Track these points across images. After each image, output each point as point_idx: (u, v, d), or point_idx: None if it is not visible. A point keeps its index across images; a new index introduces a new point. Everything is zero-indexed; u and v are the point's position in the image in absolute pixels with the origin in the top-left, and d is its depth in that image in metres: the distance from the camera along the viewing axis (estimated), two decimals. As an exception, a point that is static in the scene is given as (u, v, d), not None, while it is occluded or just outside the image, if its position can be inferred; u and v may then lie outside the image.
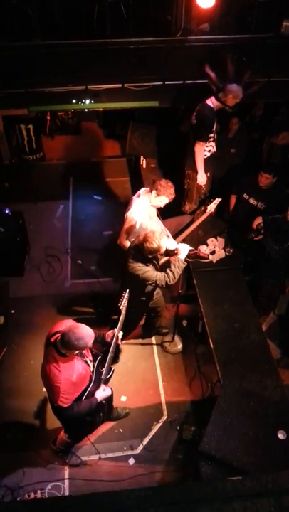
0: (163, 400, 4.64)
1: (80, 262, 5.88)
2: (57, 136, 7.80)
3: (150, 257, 3.92)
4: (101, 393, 3.49)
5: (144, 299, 4.26)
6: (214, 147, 5.00)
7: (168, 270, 3.97)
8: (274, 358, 4.49)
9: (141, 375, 4.83)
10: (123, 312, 3.67)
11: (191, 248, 4.12)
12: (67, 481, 4.02)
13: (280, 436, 3.60)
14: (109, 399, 3.98)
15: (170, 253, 4.17)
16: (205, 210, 4.70)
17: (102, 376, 3.58)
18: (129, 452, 4.24)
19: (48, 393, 3.39)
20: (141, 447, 4.27)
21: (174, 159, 5.57)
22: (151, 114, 6.69)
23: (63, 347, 3.17)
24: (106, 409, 3.91)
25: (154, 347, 5.12)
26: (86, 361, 3.47)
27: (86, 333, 3.18)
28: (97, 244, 6.15)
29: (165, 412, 4.54)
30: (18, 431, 4.31)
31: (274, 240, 4.60)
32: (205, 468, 3.47)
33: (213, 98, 4.64)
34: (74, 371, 3.29)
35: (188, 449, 4.22)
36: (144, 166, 6.60)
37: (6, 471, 4.04)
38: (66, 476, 4.05)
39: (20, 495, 3.89)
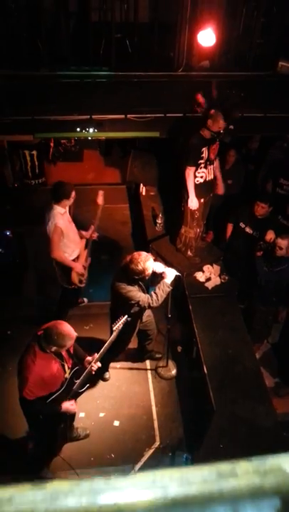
0: (156, 425, 4.62)
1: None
2: (59, 162, 7.98)
3: (136, 277, 3.97)
4: (68, 405, 3.53)
5: (130, 319, 4.30)
6: (209, 175, 5.10)
7: (152, 293, 4.03)
8: (267, 385, 4.52)
9: (134, 400, 4.82)
10: (114, 334, 3.76)
11: (178, 274, 4.18)
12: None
13: (272, 463, 3.59)
14: (72, 416, 3.99)
15: (156, 275, 4.23)
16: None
17: (74, 387, 3.63)
18: (121, 478, 4.18)
19: (18, 382, 3.44)
20: (132, 473, 4.22)
21: (173, 187, 5.72)
22: (152, 143, 6.88)
23: (44, 341, 3.28)
24: (67, 424, 3.92)
25: (148, 372, 5.13)
26: (63, 365, 3.52)
27: (67, 331, 3.29)
28: (94, 268, 6.21)
29: (158, 438, 4.52)
30: (12, 452, 4.27)
31: (265, 261, 4.70)
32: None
33: (204, 127, 4.79)
34: (48, 369, 3.36)
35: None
36: (144, 193, 6.76)
37: None
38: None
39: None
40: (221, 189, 5.35)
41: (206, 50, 4.66)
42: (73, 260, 4.86)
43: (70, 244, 4.80)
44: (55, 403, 3.49)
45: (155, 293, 4.01)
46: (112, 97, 4.84)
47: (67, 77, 4.71)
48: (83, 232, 5.07)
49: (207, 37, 4.44)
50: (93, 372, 3.70)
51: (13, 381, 4.71)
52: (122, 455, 4.36)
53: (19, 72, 4.61)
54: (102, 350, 3.68)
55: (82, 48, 4.71)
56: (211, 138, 4.80)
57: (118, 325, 3.79)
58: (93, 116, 4.91)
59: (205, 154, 4.90)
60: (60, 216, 4.63)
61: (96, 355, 3.67)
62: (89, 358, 3.71)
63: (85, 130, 5.08)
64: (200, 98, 4.71)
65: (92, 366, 3.64)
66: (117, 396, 4.83)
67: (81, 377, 3.64)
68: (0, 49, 4.50)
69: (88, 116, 4.91)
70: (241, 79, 4.86)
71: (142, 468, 4.27)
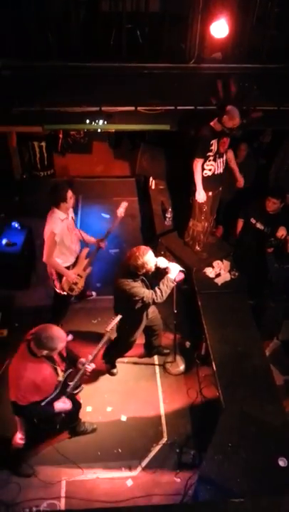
0: (163, 421, 4.61)
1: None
2: (68, 154, 7.93)
3: (138, 273, 3.93)
4: (60, 405, 3.53)
5: (136, 316, 4.29)
6: (218, 168, 5.03)
7: (156, 288, 3.99)
8: (276, 383, 4.47)
9: (142, 396, 4.80)
10: (106, 336, 3.76)
11: (182, 269, 4.13)
12: (63, 500, 3.98)
13: (281, 463, 3.56)
14: (75, 412, 4.01)
15: (160, 271, 4.19)
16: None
17: (68, 390, 3.62)
18: (127, 473, 4.19)
19: (10, 386, 3.41)
20: (139, 469, 4.23)
21: (183, 181, 5.65)
22: (162, 136, 6.80)
23: (34, 345, 3.25)
24: (67, 420, 3.90)
25: (156, 367, 5.11)
26: (56, 369, 3.50)
27: (57, 334, 3.25)
28: (103, 261, 6.19)
29: (165, 434, 4.50)
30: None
31: (276, 258, 4.64)
32: (204, 493, 3.43)
33: (216, 119, 4.72)
34: (39, 374, 3.34)
35: (187, 472, 4.17)
36: (153, 187, 6.70)
37: (1, 486, 4.01)
38: (62, 494, 4.01)
39: (15, 511, 3.85)
40: (240, 182, 5.28)
41: (218, 42, 4.55)
42: (67, 268, 4.76)
43: (64, 251, 4.70)
44: (49, 405, 3.49)
45: (159, 288, 3.98)
46: (122, 88, 4.77)
47: (77, 68, 4.64)
48: (91, 239, 4.97)
49: (220, 28, 4.33)
50: (88, 373, 3.68)
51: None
52: (129, 450, 4.36)
53: (28, 63, 4.55)
54: (95, 351, 3.68)
55: (92, 39, 4.63)
56: (221, 131, 4.72)
57: (111, 326, 3.80)
58: (103, 108, 4.85)
59: (214, 147, 4.83)
60: (59, 222, 4.54)
61: (89, 357, 3.66)
62: (82, 360, 3.71)
63: (95, 122, 5.01)
64: (220, 88, 4.59)
65: (86, 367, 3.63)
66: (125, 391, 4.82)
67: (74, 379, 3.64)
68: (9, 39, 4.44)
69: (98, 108, 4.85)
70: (254, 71, 4.76)
71: (149, 464, 4.26)
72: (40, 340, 3.22)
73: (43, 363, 3.38)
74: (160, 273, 4.16)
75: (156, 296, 3.95)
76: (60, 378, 3.56)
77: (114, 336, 4.30)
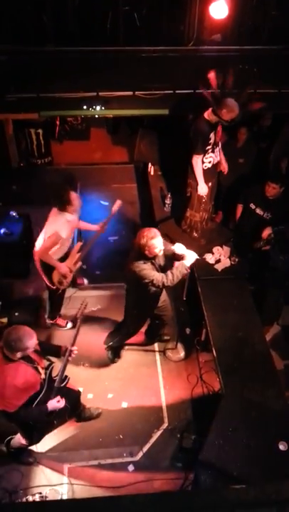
0: (164, 407, 4.63)
1: (84, 266, 5.90)
2: (65, 141, 7.85)
3: (144, 253, 3.89)
4: (54, 404, 3.49)
5: (146, 302, 4.27)
6: (216, 157, 4.98)
7: (168, 272, 3.95)
8: (277, 368, 4.48)
9: (143, 382, 4.82)
10: (79, 322, 3.76)
11: (198, 257, 4.11)
12: (65, 486, 4.01)
13: (281, 447, 3.58)
14: (75, 400, 4.02)
15: (176, 257, 4.17)
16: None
17: (56, 384, 3.60)
18: (129, 459, 4.22)
19: None
20: (141, 454, 4.26)
21: (182, 167, 5.60)
22: (160, 121, 6.72)
23: (6, 350, 3.23)
24: (69, 410, 3.90)
25: (157, 354, 5.12)
26: (36, 368, 3.46)
27: (23, 333, 3.21)
28: (102, 249, 6.17)
29: (166, 420, 4.53)
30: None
31: (280, 251, 4.61)
32: (205, 477, 3.46)
33: (210, 111, 4.60)
34: (19, 377, 3.28)
35: (188, 457, 4.20)
36: (152, 172, 6.64)
37: (4, 473, 4.04)
38: (65, 480, 4.04)
39: (18, 498, 3.88)
40: (225, 167, 5.21)
41: (217, 23, 4.48)
42: (60, 260, 4.70)
43: (59, 252, 4.67)
44: (42, 405, 3.46)
45: (172, 273, 3.93)
46: (119, 73, 4.70)
47: (74, 53, 4.57)
48: (92, 226, 4.92)
49: (219, 9, 4.27)
50: (72, 355, 3.65)
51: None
52: (130, 436, 4.38)
53: (24, 47, 4.48)
54: (74, 334, 3.69)
55: (88, 22, 4.55)
56: (216, 123, 4.64)
57: (81, 311, 3.84)
58: (100, 94, 4.79)
59: (212, 139, 4.77)
60: (67, 224, 4.50)
61: (68, 346, 3.65)
62: (64, 346, 3.69)
63: (92, 108, 4.96)
64: (213, 79, 4.47)
65: (70, 352, 3.62)
66: (126, 378, 4.83)
67: (60, 369, 3.63)
68: (4, 24, 4.36)
69: (95, 94, 4.79)
70: (255, 53, 4.69)
71: (150, 450, 4.29)
72: (10, 344, 3.18)
73: (21, 364, 3.32)
74: (176, 260, 4.15)
75: (166, 279, 3.90)
76: (43, 376, 3.52)
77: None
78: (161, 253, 3.99)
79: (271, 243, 4.68)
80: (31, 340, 3.24)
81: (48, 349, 3.77)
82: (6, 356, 3.25)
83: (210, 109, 4.59)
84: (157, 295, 4.28)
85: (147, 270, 3.91)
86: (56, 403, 3.51)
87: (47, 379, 3.55)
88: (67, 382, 3.72)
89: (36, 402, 3.42)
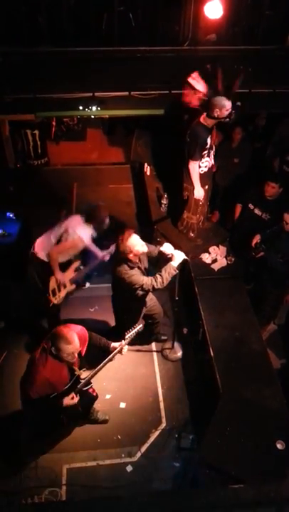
0: (162, 407, 4.63)
1: (82, 267, 5.89)
2: (62, 141, 7.84)
3: (129, 258, 3.91)
4: (68, 400, 3.62)
5: (135, 305, 4.30)
6: (211, 161, 4.98)
7: (157, 274, 3.95)
8: (274, 367, 4.49)
9: (140, 382, 4.82)
10: (125, 342, 3.85)
11: (186, 258, 4.11)
12: (64, 487, 4.00)
13: (279, 446, 3.60)
14: (91, 404, 4.17)
15: (164, 257, 4.17)
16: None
17: (79, 386, 3.72)
18: (127, 459, 4.22)
19: (24, 379, 3.55)
20: (139, 454, 4.25)
21: (178, 168, 5.61)
22: (156, 122, 6.72)
23: (55, 351, 3.39)
24: (80, 415, 4.07)
25: (154, 354, 5.12)
26: (72, 368, 3.62)
27: (62, 336, 3.36)
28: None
29: (164, 420, 4.53)
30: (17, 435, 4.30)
31: (276, 252, 4.61)
32: (203, 477, 3.47)
33: (204, 115, 4.58)
34: (56, 375, 3.47)
35: (186, 457, 4.20)
36: (148, 173, 6.64)
37: (2, 475, 4.03)
38: (63, 481, 4.04)
39: (16, 499, 3.87)
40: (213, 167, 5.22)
41: (212, 23, 4.48)
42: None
43: (63, 258, 4.66)
44: (57, 399, 3.57)
45: (160, 275, 3.93)
46: (115, 73, 4.69)
47: (69, 54, 4.56)
48: (97, 251, 4.84)
49: (214, 9, 4.27)
50: (122, 353, 3.84)
51: (18, 363, 4.76)
52: (128, 436, 4.38)
53: (19, 48, 4.47)
54: (130, 334, 3.83)
55: (83, 23, 4.54)
56: (212, 126, 4.64)
57: (131, 334, 3.86)
58: (96, 94, 4.78)
59: (208, 143, 4.78)
60: (90, 237, 4.56)
61: (123, 342, 3.81)
62: (115, 345, 3.83)
63: (88, 108, 4.95)
64: (197, 81, 4.40)
65: (121, 348, 3.80)
66: (123, 378, 4.83)
67: (88, 377, 3.76)
68: (-1, 25, 4.35)
69: (91, 94, 4.78)
70: (249, 53, 4.69)
71: (149, 450, 4.29)
72: (59, 348, 3.36)
73: (64, 364, 3.52)
74: (164, 260, 4.14)
75: (156, 282, 3.91)
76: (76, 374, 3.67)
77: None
78: (145, 249, 3.98)
79: (263, 249, 4.67)
80: (66, 345, 3.36)
81: (98, 343, 3.84)
82: (52, 352, 3.41)
83: (204, 114, 4.58)
84: (144, 297, 4.29)
85: (136, 276, 3.93)
86: (70, 400, 3.60)
87: (74, 379, 3.67)
88: (89, 388, 3.88)
89: (53, 395, 3.53)
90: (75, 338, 3.38)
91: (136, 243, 3.88)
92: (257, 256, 4.75)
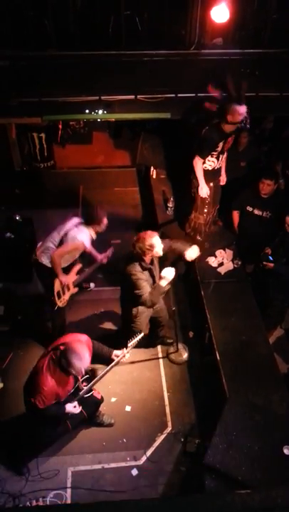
0: (168, 411, 4.61)
1: (86, 269, 5.91)
2: (68, 144, 7.86)
3: (145, 257, 3.95)
4: (70, 408, 3.70)
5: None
6: (218, 164, 4.99)
7: (148, 294, 4.03)
8: (281, 372, 4.46)
9: (146, 386, 4.81)
10: (127, 351, 3.88)
11: (174, 275, 4.14)
12: (69, 490, 3.99)
13: (286, 451, 3.57)
14: (96, 408, 4.19)
15: (177, 254, 4.24)
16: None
17: (80, 393, 3.78)
18: (133, 463, 4.20)
19: (29, 386, 3.60)
20: (144, 458, 4.24)
21: (185, 171, 5.61)
22: (162, 125, 6.73)
23: (64, 365, 3.43)
24: (84, 419, 4.10)
25: (160, 357, 5.10)
26: (76, 377, 3.70)
27: (74, 351, 3.40)
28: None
29: (169, 424, 4.51)
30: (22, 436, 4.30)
31: (281, 256, 4.60)
32: (209, 482, 3.44)
33: (224, 123, 4.61)
34: (62, 385, 3.55)
35: (191, 461, 4.18)
36: (155, 176, 6.65)
37: (8, 477, 4.03)
38: (68, 484, 4.03)
39: (22, 502, 3.87)
40: (223, 180, 5.24)
41: (219, 27, 4.48)
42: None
43: (63, 263, 4.66)
44: (59, 406, 3.64)
45: (150, 298, 4.02)
46: (121, 77, 4.70)
47: (76, 57, 4.58)
48: (96, 254, 4.92)
49: (220, 13, 4.26)
50: (124, 359, 3.88)
51: (23, 364, 4.76)
52: (133, 440, 4.37)
53: (25, 52, 4.49)
54: (130, 343, 3.86)
55: (90, 26, 4.56)
56: (231, 131, 4.67)
57: (132, 342, 3.89)
58: (102, 97, 4.79)
59: (220, 148, 4.80)
60: (90, 239, 4.58)
61: (124, 350, 3.84)
62: (117, 353, 3.85)
63: (94, 112, 4.96)
64: (213, 91, 4.50)
65: (123, 356, 3.84)
66: (129, 381, 4.82)
67: (89, 384, 3.83)
68: (5, 28, 4.36)
69: (97, 98, 4.78)
70: (256, 56, 4.68)
71: (154, 454, 4.27)
72: (71, 363, 3.39)
73: (70, 376, 3.61)
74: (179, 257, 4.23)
75: (147, 302, 4.02)
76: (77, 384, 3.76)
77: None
78: (160, 254, 4.04)
79: (270, 260, 4.64)
80: (77, 361, 3.39)
81: (100, 353, 3.86)
82: (61, 364, 3.46)
83: (224, 122, 4.61)
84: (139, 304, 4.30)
85: (142, 281, 3.97)
86: (72, 408, 3.68)
87: (76, 386, 3.74)
88: (91, 396, 3.93)
89: (55, 402, 3.59)
90: (86, 355, 3.44)
91: (156, 244, 3.94)
92: (266, 268, 4.73)
